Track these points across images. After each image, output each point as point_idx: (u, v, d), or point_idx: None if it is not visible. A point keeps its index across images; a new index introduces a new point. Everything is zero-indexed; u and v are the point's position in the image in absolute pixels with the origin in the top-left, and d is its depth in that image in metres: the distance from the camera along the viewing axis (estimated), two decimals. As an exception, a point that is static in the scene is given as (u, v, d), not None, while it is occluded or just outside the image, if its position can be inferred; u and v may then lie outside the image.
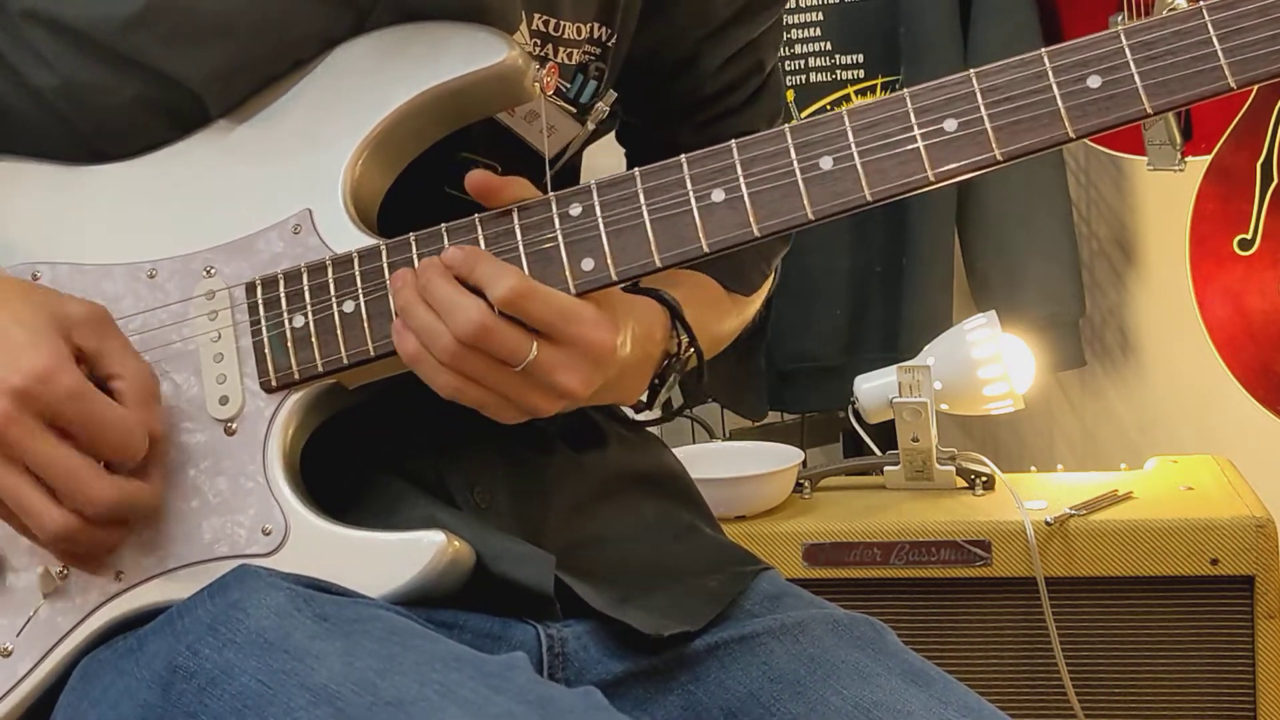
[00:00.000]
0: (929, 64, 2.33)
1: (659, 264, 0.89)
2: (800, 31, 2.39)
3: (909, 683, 0.94)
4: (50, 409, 0.85)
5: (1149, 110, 0.85)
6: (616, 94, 1.05)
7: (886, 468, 1.94)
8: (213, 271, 0.94)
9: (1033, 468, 2.03)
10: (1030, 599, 1.74)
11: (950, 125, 0.87)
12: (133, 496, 0.88)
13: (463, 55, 0.93)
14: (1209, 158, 2.02)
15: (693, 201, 0.89)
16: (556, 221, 0.90)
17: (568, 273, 0.90)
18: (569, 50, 1.02)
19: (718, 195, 0.89)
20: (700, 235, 0.89)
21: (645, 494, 1.09)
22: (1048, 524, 1.73)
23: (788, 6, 2.34)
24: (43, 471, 0.85)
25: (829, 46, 2.38)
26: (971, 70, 0.87)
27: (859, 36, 2.37)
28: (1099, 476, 1.93)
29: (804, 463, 1.94)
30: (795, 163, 0.88)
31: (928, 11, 2.33)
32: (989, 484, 1.89)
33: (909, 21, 2.34)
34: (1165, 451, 2.04)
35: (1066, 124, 0.86)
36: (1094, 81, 0.85)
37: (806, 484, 1.93)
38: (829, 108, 2.37)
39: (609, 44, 1.05)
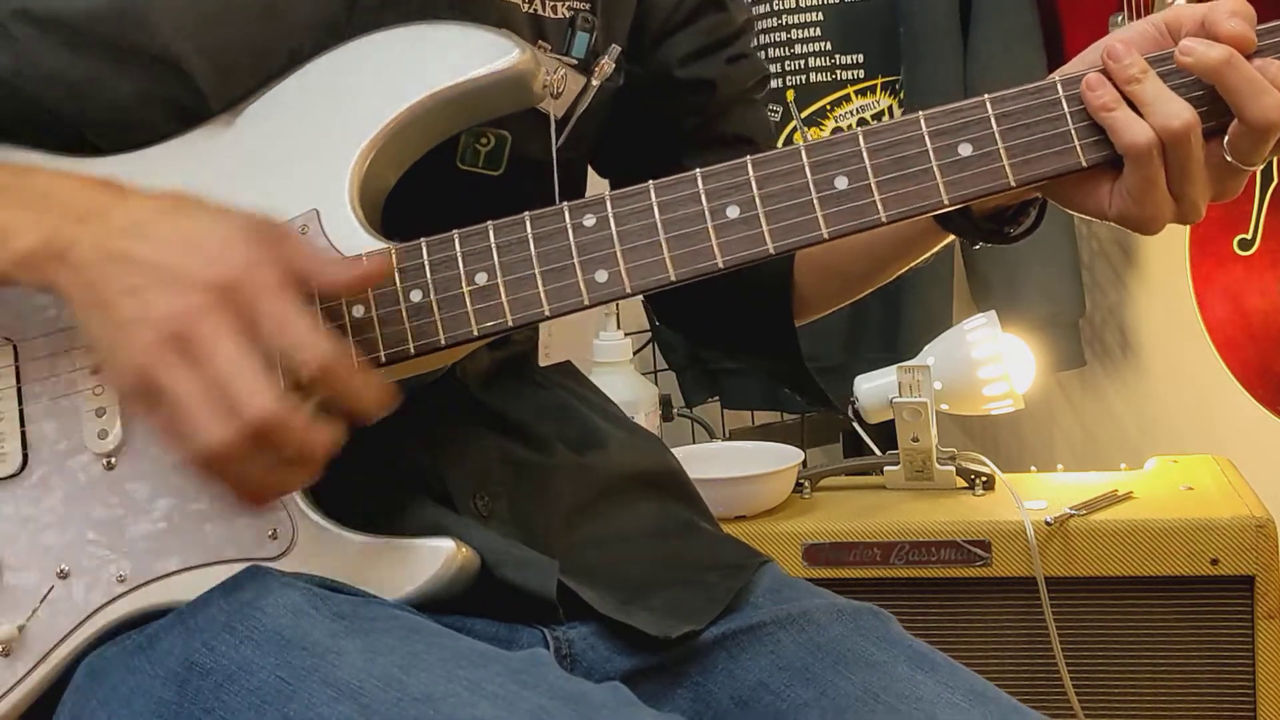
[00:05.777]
0: (929, 64, 2.33)
1: (674, 279, 0.89)
2: (800, 31, 2.39)
3: (916, 668, 0.95)
4: (248, 307, 0.79)
5: None
6: (621, 49, 1.05)
7: (886, 468, 1.93)
8: None
9: (1033, 468, 2.03)
10: (1030, 599, 1.73)
11: (965, 149, 0.88)
12: (289, 418, 0.77)
13: (472, 57, 0.92)
14: (1209, 158, 2.01)
15: (708, 217, 0.89)
16: (570, 232, 0.90)
17: (581, 284, 0.89)
18: (554, 4, 1.01)
19: (733, 212, 0.88)
20: (716, 251, 0.88)
21: (645, 493, 1.09)
22: (1048, 524, 1.73)
23: (788, 6, 2.35)
24: (218, 375, 0.77)
25: (829, 46, 2.38)
26: (986, 95, 0.88)
27: (859, 36, 2.37)
28: (1099, 476, 1.92)
29: (804, 463, 1.93)
30: (810, 182, 0.88)
31: (928, 11, 2.33)
32: (989, 484, 1.88)
33: (909, 21, 2.34)
34: (1165, 451, 2.03)
35: (1079, 151, 0.88)
36: None
37: (806, 484, 1.93)
38: (829, 108, 2.37)
39: None
